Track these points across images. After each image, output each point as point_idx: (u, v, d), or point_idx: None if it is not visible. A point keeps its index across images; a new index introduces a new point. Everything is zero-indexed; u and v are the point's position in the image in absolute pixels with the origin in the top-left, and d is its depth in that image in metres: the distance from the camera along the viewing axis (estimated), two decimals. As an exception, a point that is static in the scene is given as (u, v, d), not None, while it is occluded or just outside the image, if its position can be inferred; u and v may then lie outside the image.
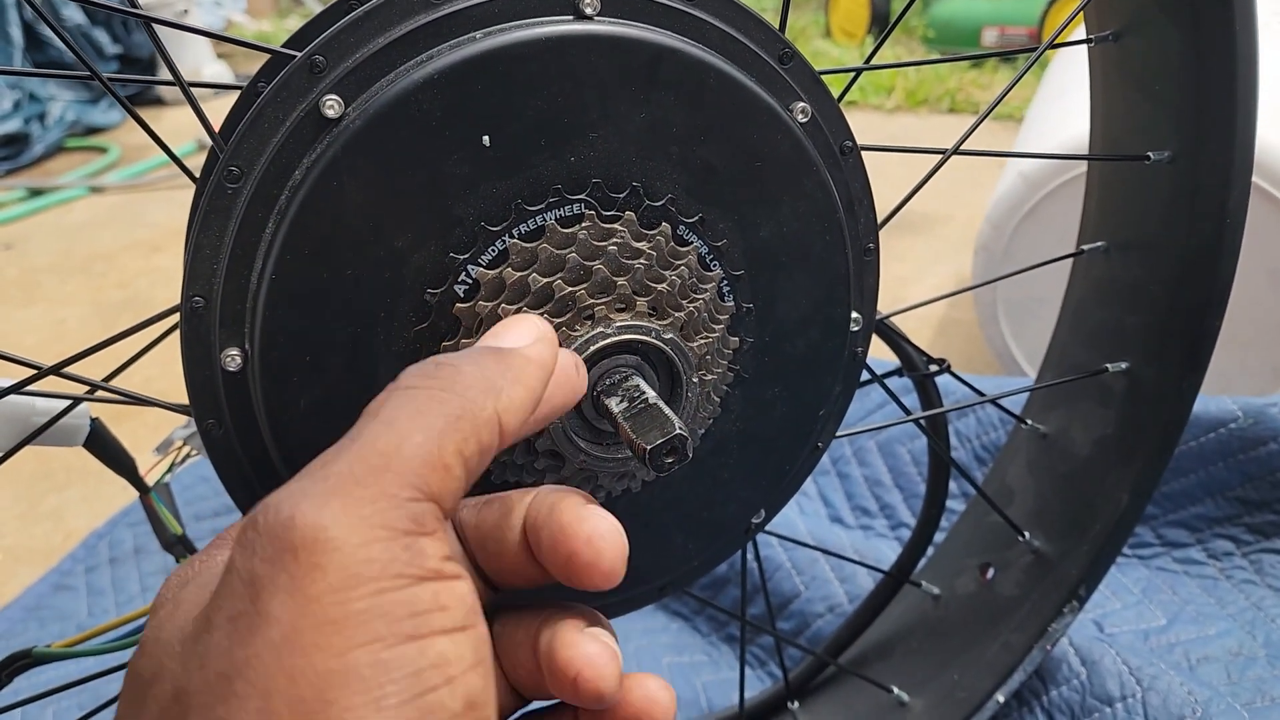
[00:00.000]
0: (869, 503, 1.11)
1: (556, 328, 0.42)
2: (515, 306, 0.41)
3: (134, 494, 0.58)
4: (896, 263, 1.98)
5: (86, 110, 3.46)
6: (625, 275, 0.43)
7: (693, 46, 0.43)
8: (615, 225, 0.43)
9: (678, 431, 0.39)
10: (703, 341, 0.46)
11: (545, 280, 0.41)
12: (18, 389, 0.45)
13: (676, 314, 0.44)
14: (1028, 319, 1.33)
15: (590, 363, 0.42)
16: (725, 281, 0.47)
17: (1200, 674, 0.80)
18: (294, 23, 5.09)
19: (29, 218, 2.73)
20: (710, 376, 0.47)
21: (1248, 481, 0.92)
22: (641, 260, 0.43)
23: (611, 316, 0.42)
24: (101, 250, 2.45)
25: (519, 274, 0.41)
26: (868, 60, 0.62)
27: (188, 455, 0.61)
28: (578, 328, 0.42)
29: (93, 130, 3.50)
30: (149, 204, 2.80)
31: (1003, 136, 2.62)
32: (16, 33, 3.30)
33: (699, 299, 0.45)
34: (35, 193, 2.88)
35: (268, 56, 0.43)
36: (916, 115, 3.20)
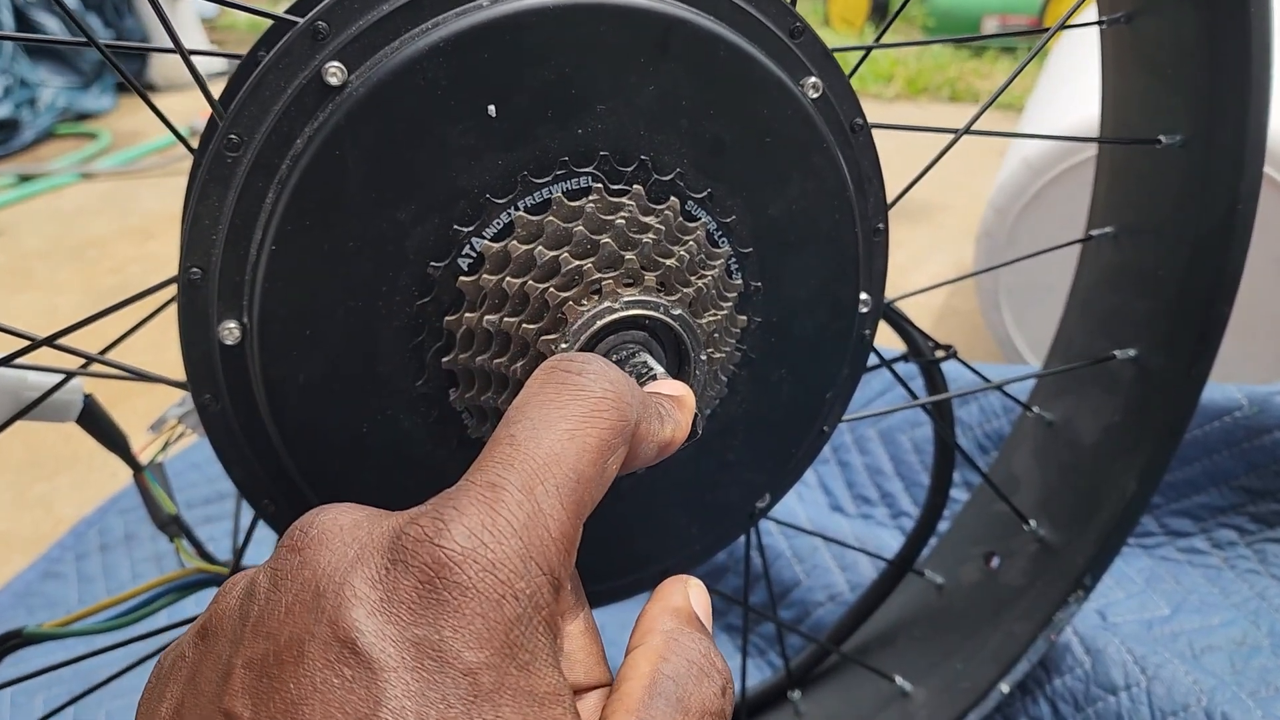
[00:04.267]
0: (870, 491, 1.11)
1: (563, 303, 0.41)
2: (520, 280, 0.40)
3: (125, 480, 0.57)
4: (896, 250, 1.97)
5: (77, 96, 3.44)
6: (633, 250, 0.42)
7: (703, 18, 0.42)
8: (623, 199, 0.42)
9: (687, 409, 0.38)
10: (710, 319, 0.45)
11: (552, 254, 0.40)
12: (9, 360, 0.43)
13: (685, 290, 0.43)
14: (1030, 306, 1.32)
15: (597, 338, 0.41)
16: (734, 258, 0.46)
17: (1204, 663, 0.80)
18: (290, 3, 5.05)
19: (19, 204, 2.71)
20: (718, 355, 0.46)
21: (1252, 470, 0.91)
22: (649, 235, 0.42)
23: (619, 291, 0.41)
24: (93, 237, 2.43)
25: (525, 247, 0.40)
26: (878, 38, 0.61)
27: (182, 434, 0.60)
28: (585, 302, 0.41)
29: (83, 116, 3.48)
30: (140, 190, 2.78)
31: (1005, 125, 2.61)
32: (7, 15, 3.27)
33: (707, 275, 0.44)
34: (26, 179, 2.86)
35: (269, 19, 0.42)
36: (916, 104, 3.20)
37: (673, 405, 0.36)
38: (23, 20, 3.34)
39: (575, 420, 0.29)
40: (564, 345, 0.40)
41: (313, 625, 0.25)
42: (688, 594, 0.34)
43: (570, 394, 0.30)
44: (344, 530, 0.28)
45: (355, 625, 0.25)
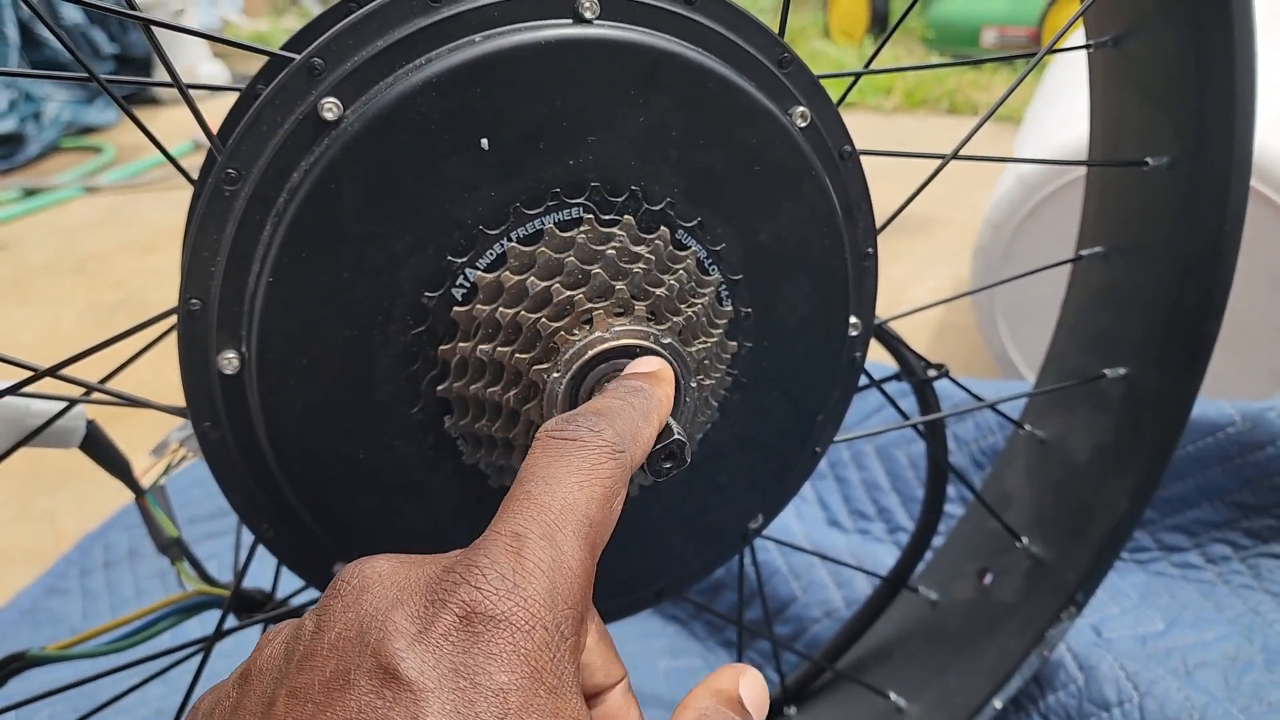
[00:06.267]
0: (866, 507, 1.11)
1: (555, 332, 0.41)
2: (513, 310, 0.41)
3: (128, 496, 0.57)
4: (894, 265, 1.98)
5: (82, 110, 3.45)
6: (624, 279, 0.42)
7: (691, 50, 0.43)
8: (614, 229, 0.43)
9: (676, 437, 0.39)
10: (701, 346, 0.45)
11: (543, 284, 0.41)
12: (14, 390, 0.44)
13: (675, 318, 0.44)
14: (1026, 322, 1.33)
15: (589, 367, 0.42)
16: (724, 286, 0.46)
17: (1197, 679, 0.80)
18: (290, 22, 5.07)
19: (24, 218, 2.72)
20: (708, 381, 0.47)
21: (1245, 486, 0.92)
22: (640, 264, 0.43)
23: (610, 321, 0.42)
24: (97, 250, 2.44)
25: (517, 278, 0.41)
26: (867, 64, 0.62)
27: (184, 458, 0.60)
28: (576, 332, 0.42)
29: (88, 130, 3.49)
30: (144, 204, 2.79)
31: (1002, 138, 2.62)
32: (12, 31, 3.29)
33: (697, 303, 0.45)
34: (30, 193, 2.87)
35: (265, 55, 0.43)
36: (915, 116, 3.20)
37: (651, 383, 0.39)
38: (27, 36, 3.36)
39: (581, 474, 0.32)
40: (556, 374, 0.41)
41: (357, 658, 0.27)
42: (737, 680, 0.35)
43: (572, 451, 0.33)
44: (383, 577, 0.30)
45: (397, 654, 0.27)
